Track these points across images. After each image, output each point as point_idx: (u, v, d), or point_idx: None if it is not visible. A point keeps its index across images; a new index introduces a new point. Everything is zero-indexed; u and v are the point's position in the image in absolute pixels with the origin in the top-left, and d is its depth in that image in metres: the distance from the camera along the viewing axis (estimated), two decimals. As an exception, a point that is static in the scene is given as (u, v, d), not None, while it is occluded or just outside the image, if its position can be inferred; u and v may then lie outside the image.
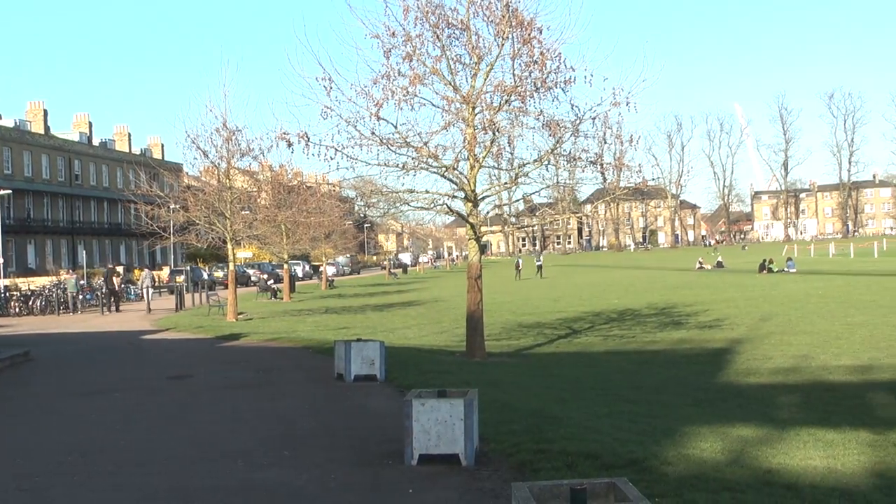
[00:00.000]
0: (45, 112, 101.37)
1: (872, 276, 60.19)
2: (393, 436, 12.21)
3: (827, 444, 12.33)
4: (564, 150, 23.68)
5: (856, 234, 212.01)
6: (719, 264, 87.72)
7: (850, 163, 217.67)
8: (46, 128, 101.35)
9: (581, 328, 33.47)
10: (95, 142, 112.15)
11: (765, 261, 73.96)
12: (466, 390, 11.35)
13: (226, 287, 48.24)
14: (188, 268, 79.92)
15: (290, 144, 21.99)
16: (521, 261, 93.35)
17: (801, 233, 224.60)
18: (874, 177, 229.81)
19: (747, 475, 10.22)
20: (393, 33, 22.25)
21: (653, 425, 13.92)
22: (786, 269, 71.59)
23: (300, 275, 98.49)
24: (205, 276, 76.18)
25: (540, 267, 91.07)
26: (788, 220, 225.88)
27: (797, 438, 12.81)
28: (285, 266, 63.95)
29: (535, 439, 11.57)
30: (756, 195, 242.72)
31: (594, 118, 22.63)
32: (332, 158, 22.23)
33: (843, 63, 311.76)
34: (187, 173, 52.84)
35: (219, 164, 40.03)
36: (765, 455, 11.56)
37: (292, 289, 64.90)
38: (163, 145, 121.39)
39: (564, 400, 17.01)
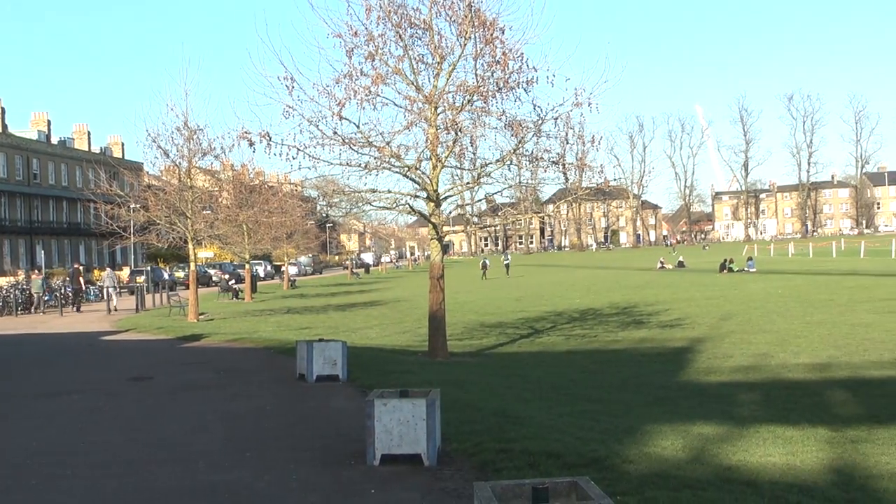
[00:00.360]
0: (3, 110, 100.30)
1: (831, 275, 60.77)
2: (355, 436, 12.18)
3: (786, 441, 12.45)
4: (526, 151, 23.73)
5: (814, 234, 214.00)
6: (680, 264, 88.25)
7: (808, 164, 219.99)
8: (4, 126, 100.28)
9: (543, 328, 33.54)
10: (54, 140, 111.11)
11: (725, 260, 74.46)
12: (428, 390, 11.34)
13: (187, 287, 47.97)
14: (149, 268, 79.35)
15: (251, 144, 21.89)
16: (487, 260, 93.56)
17: (761, 233, 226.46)
18: (832, 178, 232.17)
19: (708, 472, 10.28)
20: (355, 33, 22.21)
21: (614, 424, 13.98)
22: (746, 269, 72.11)
23: (262, 275, 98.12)
24: (165, 276, 75.73)
25: (507, 266, 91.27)
26: (749, 221, 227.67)
27: (757, 436, 12.92)
28: (247, 266, 63.71)
29: (497, 439, 11.59)
30: (717, 195, 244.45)
31: (556, 118, 22.70)
32: (293, 158, 22.16)
33: (802, 65, 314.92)
34: (148, 172, 52.52)
35: (180, 163, 39.78)
36: (725, 452, 11.65)
37: (254, 289, 64.60)
38: (123, 144, 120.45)
39: (526, 399, 17.05)
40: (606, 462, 10.32)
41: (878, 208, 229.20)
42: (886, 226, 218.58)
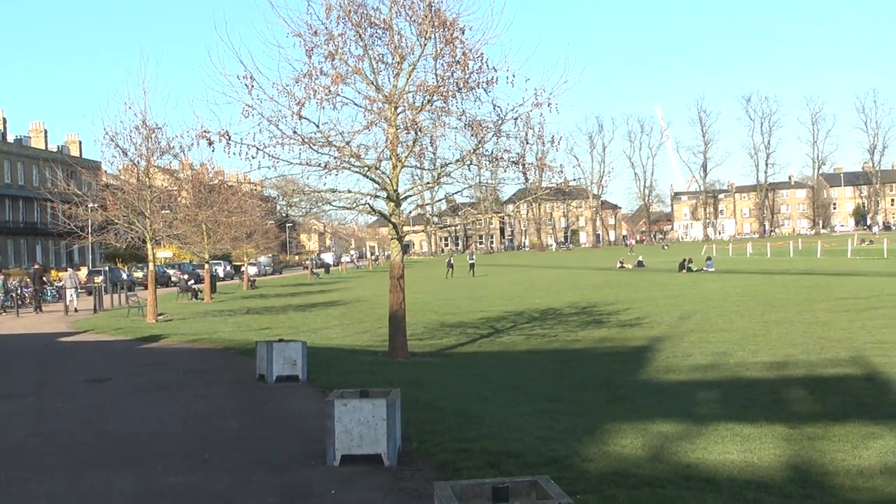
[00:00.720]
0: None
1: (788, 274, 61.36)
2: (315, 436, 12.14)
3: (744, 439, 12.55)
4: (486, 151, 23.77)
5: (772, 233, 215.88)
6: (640, 264, 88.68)
7: (766, 164, 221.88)
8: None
9: (503, 327, 33.61)
10: (10, 138, 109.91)
11: (684, 260, 74.92)
12: (389, 390, 11.33)
13: (145, 288, 47.60)
14: (107, 268, 78.67)
15: (210, 143, 21.77)
16: (452, 259, 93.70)
17: (720, 233, 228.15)
18: (790, 178, 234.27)
19: (667, 470, 10.35)
20: (315, 32, 22.15)
21: (574, 423, 14.03)
22: (705, 269, 72.58)
23: (221, 275, 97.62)
24: (124, 276, 75.06)
25: (472, 265, 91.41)
26: (707, 221, 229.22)
27: (715, 433, 13.02)
28: (206, 266, 63.30)
29: (457, 438, 11.59)
30: (676, 196, 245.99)
31: (516, 118, 22.75)
32: (253, 157, 22.07)
33: (759, 68, 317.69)
34: (106, 171, 51.98)
35: (138, 162, 39.45)
36: (684, 450, 11.73)
37: (213, 289, 64.23)
38: (80, 143, 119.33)
39: (487, 399, 17.07)
40: (566, 461, 10.36)
41: (835, 209, 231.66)
42: (842, 226, 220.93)
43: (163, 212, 44.97)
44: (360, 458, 10.64)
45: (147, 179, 40.24)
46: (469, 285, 69.50)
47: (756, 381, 19.70)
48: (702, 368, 21.86)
